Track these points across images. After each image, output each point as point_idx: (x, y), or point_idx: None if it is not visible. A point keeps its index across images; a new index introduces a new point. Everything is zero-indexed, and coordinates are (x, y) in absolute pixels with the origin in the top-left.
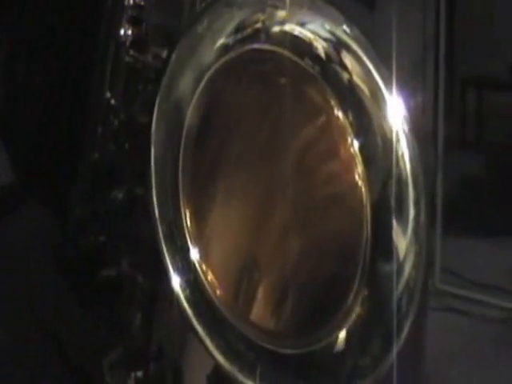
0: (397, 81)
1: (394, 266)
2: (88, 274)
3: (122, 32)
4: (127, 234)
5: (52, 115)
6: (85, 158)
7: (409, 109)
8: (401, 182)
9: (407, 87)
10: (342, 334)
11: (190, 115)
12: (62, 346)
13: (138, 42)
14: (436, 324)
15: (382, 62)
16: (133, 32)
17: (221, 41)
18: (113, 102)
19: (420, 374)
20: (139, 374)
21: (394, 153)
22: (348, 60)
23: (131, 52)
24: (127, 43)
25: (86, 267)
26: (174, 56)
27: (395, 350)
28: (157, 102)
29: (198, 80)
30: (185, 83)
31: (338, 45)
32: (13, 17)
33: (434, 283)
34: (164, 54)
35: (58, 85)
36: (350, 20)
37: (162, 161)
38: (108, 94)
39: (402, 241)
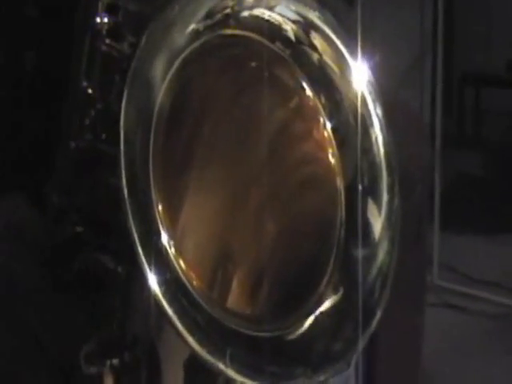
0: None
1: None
2: (66, 264)
3: (98, 20)
4: (105, 223)
5: (28, 104)
6: (62, 148)
7: (382, 87)
8: (374, 166)
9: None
10: (315, 319)
11: (161, 100)
12: (38, 336)
13: (114, 31)
14: (433, 319)
15: (353, 41)
16: (109, 20)
17: (192, 26)
18: (90, 91)
19: (418, 368)
20: (115, 361)
21: (367, 136)
22: (317, 41)
23: (107, 41)
24: (103, 32)
25: (64, 257)
26: (144, 40)
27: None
28: (127, 85)
29: (169, 65)
30: (156, 68)
31: (306, 26)
32: None
33: (432, 279)
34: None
35: (34, 74)
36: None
37: (132, 152)
38: (85, 83)
39: (376, 224)
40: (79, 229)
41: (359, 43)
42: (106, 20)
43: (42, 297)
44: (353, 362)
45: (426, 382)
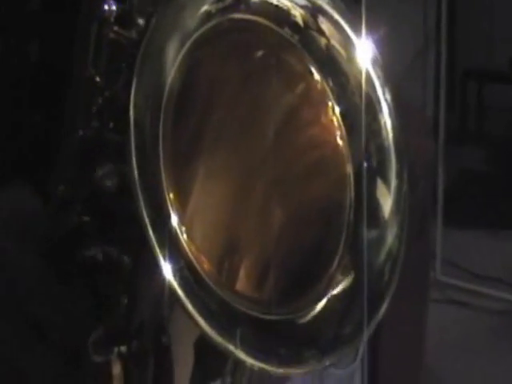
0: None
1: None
2: (71, 253)
3: (105, 7)
4: (111, 213)
5: (32, 94)
6: (68, 137)
7: (389, 71)
8: (383, 150)
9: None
10: (325, 302)
11: (171, 83)
12: (44, 324)
13: (122, 18)
14: (437, 315)
15: (359, 26)
16: (117, 8)
17: (204, 7)
18: (97, 79)
19: (420, 364)
20: (123, 348)
21: (375, 120)
22: (325, 25)
23: (115, 28)
24: (111, 19)
25: (69, 247)
26: (154, 22)
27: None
28: (137, 68)
29: (180, 46)
30: (167, 50)
31: (314, 11)
32: None
33: (435, 275)
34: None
35: (40, 61)
36: None
37: (142, 139)
38: (92, 71)
39: (385, 206)
40: (85, 218)
41: (363, 26)
42: (114, 7)
43: (47, 286)
44: (359, 355)
45: (428, 377)
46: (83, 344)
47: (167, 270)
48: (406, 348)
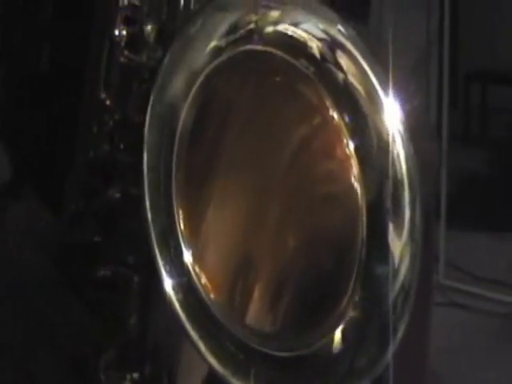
0: (394, 79)
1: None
2: (82, 272)
3: (116, 32)
4: (122, 233)
5: (48, 113)
6: (80, 157)
7: (405, 108)
8: (396, 183)
9: (408, 84)
10: (337, 336)
11: (184, 117)
12: (56, 336)
13: (132, 43)
14: (440, 319)
15: (378, 62)
16: (127, 32)
17: (213, 43)
18: (108, 102)
19: (423, 367)
20: (135, 375)
21: (390, 154)
22: (343, 60)
23: (126, 52)
24: (122, 44)
25: (81, 266)
26: (167, 58)
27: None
28: (150, 104)
29: (191, 82)
30: (178, 85)
31: (332, 44)
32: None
33: (438, 278)
34: (158, 53)
35: (53, 83)
36: (345, 20)
37: (155, 163)
38: (103, 94)
39: (398, 242)
40: (96, 238)
41: (390, 73)
42: (124, 32)
43: (60, 297)
44: None
45: (431, 380)
46: (94, 359)
47: (173, 299)
48: (409, 351)
